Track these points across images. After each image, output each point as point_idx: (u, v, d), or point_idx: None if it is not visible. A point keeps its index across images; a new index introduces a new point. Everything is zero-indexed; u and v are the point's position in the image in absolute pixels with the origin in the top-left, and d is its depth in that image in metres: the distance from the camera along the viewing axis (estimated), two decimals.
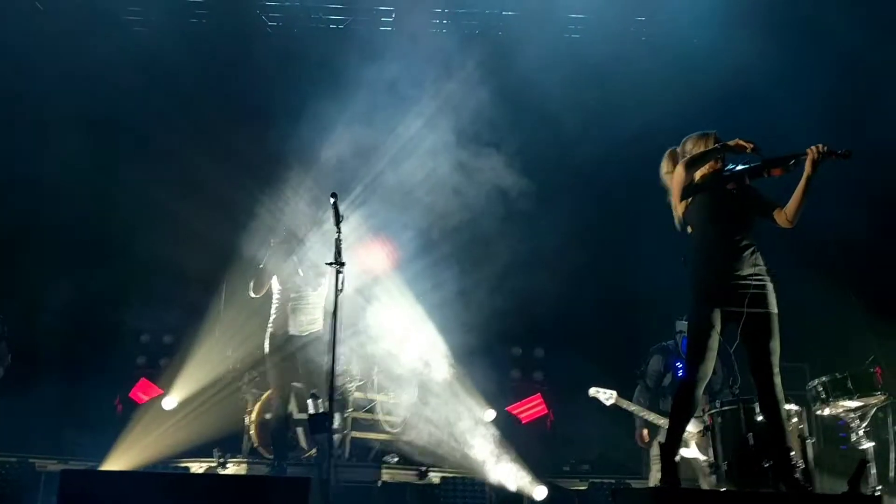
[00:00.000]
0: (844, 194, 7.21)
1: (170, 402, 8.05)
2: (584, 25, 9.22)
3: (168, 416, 8.01)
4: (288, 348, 6.79)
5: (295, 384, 7.14)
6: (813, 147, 4.49)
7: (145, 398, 9.01)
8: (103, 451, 7.53)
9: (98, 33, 9.06)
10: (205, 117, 8.89)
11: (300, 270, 6.86)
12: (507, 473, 7.57)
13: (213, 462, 7.23)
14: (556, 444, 8.32)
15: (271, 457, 7.15)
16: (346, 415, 7.73)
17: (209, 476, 6.84)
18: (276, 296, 6.95)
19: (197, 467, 7.27)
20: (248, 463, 7.25)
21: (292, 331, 6.84)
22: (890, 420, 6.51)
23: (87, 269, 9.09)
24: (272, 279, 6.92)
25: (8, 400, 7.77)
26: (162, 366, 9.39)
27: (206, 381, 8.04)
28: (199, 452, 7.49)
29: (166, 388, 8.34)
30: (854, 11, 7.55)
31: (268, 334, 6.94)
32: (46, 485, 7.53)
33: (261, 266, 6.87)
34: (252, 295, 7.00)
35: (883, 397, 5.84)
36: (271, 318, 6.94)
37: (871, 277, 7.93)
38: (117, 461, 7.42)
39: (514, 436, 8.11)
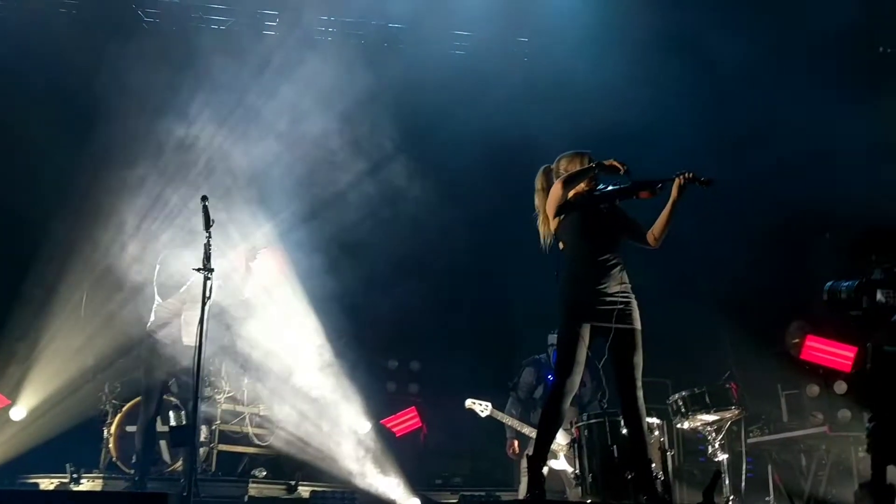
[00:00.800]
0: (708, 217, 7.57)
1: (17, 412, 7.53)
2: (469, 42, 9.34)
3: (15, 427, 7.49)
4: (169, 358, 6.40)
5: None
6: (679, 174, 4.69)
7: None
8: None
9: None
10: (68, 112, 8.39)
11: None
12: (380, 486, 7.51)
13: (65, 477, 6.82)
14: (429, 457, 8.31)
15: (131, 471, 6.79)
16: (213, 427, 7.48)
17: (60, 493, 6.41)
18: (168, 305, 6.48)
19: (47, 483, 6.84)
20: (103, 478, 6.87)
21: (186, 341, 6.37)
22: (743, 433, 6.88)
23: None
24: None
25: None
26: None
27: (57, 391, 7.57)
28: (49, 467, 7.04)
29: (13, 397, 7.81)
30: (734, 40, 7.89)
31: (155, 343, 6.44)
32: None
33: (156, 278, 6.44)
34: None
35: (737, 411, 6.14)
36: (163, 329, 6.44)
37: (731, 297, 8.36)
38: None
39: (387, 448, 8.05)
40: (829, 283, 2.96)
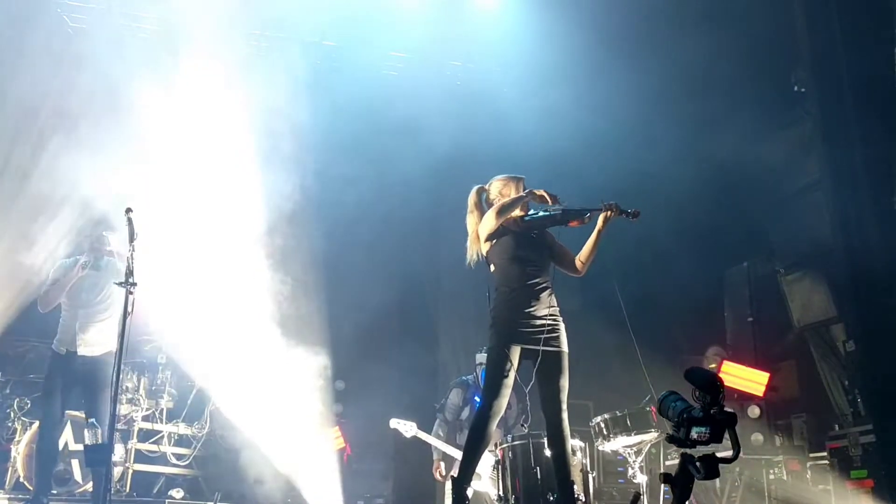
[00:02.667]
0: (628, 243, 7.77)
1: None
2: (403, 64, 9.38)
3: None
4: (72, 369, 6.19)
5: (71, 412, 6.56)
6: (605, 205, 4.82)
7: None
8: None
9: None
10: None
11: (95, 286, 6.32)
12: None
13: None
14: (352, 478, 8.21)
15: None
16: (128, 446, 7.25)
17: None
18: (64, 311, 6.34)
19: None
20: (9, 499, 6.56)
21: (81, 350, 6.24)
22: (661, 455, 7.04)
23: None
24: (62, 294, 6.27)
25: None
26: None
27: None
28: None
29: None
30: (667, 72, 8.15)
31: (51, 353, 6.29)
32: None
33: (51, 281, 6.25)
34: (40, 310, 6.38)
35: (656, 434, 6.29)
36: (56, 336, 6.32)
37: (649, 322, 8.57)
38: None
39: (310, 468, 7.93)
40: (665, 394, 3.02)
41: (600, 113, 8.06)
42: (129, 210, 4.94)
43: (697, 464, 2.84)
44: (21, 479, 6.87)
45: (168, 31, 8.23)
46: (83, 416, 6.34)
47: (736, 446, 2.91)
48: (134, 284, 4.88)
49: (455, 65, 9.51)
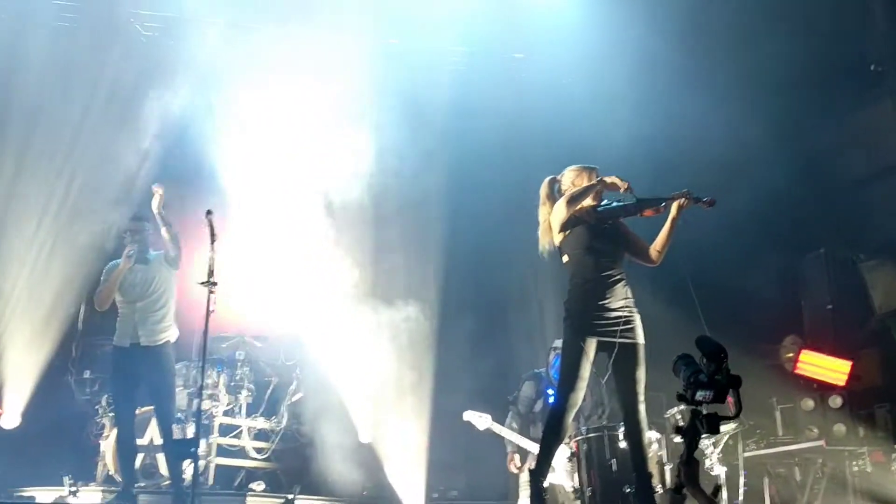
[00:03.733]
0: (703, 231, 7.65)
1: (10, 420, 7.51)
2: (467, 58, 9.41)
3: (8, 437, 7.46)
4: (135, 361, 6.36)
5: (143, 408, 6.81)
6: (679, 193, 4.77)
7: None
8: None
9: None
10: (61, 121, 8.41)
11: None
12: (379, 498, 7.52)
13: (62, 490, 6.78)
14: (427, 470, 8.28)
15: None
16: (209, 440, 7.47)
17: None
18: (120, 308, 6.52)
19: (44, 496, 6.79)
20: (102, 491, 6.84)
21: (143, 341, 6.36)
22: (740, 447, 6.92)
23: None
24: (114, 292, 6.45)
25: None
26: None
27: (50, 401, 7.57)
28: (45, 479, 7.00)
29: (10, 409, 7.79)
30: (740, 58, 8.00)
31: (113, 349, 6.50)
32: None
33: (102, 280, 6.48)
34: (97, 308, 6.64)
35: (734, 425, 6.20)
36: (116, 332, 6.50)
37: (723, 310, 8.42)
38: None
39: (385, 461, 8.06)
40: (677, 356, 3.31)
41: (679, 101, 7.95)
42: (209, 212, 5.10)
43: (703, 419, 3.18)
44: (111, 473, 7.14)
45: (249, 30, 8.48)
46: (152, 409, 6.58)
47: (738, 405, 3.26)
48: (214, 283, 5.04)
49: (518, 57, 9.50)
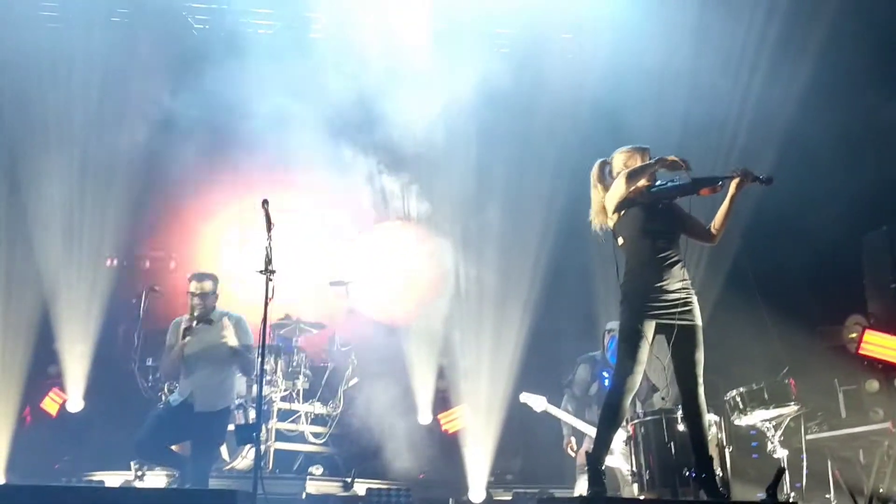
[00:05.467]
0: (760, 212, 7.51)
1: (74, 404, 7.77)
2: (510, 41, 9.35)
3: (77, 424, 7.70)
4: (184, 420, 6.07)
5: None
6: (737, 171, 4.68)
7: (56, 408, 8.61)
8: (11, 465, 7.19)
9: (11, 24, 8.60)
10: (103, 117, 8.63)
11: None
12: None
13: (129, 474, 6.99)
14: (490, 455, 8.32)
15: None
16: (269, 425, 7.61)
17: (127, 490, 6.59)
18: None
19: (112, 480, 7.01)
20: (167, 475, 7.02)
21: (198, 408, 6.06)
22: (802, 430, 6.80)
23: None
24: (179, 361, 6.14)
25: None
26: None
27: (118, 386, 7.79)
28: (113, 464, 7.22)
29: (73, 394, 8.07)
30: (798, 35, 7.82)
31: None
32: None
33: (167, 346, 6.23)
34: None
35: (796, 408, 6.09)
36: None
37: (784, 292, 8.25)
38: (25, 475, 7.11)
39: (439, 444, 8.13)
40: None
41: (734, 80, 7.81)
42: (265, 202, 5.17)
43: None
44: None
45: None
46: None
47: None
48: (273, 272, 5.11)
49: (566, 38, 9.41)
